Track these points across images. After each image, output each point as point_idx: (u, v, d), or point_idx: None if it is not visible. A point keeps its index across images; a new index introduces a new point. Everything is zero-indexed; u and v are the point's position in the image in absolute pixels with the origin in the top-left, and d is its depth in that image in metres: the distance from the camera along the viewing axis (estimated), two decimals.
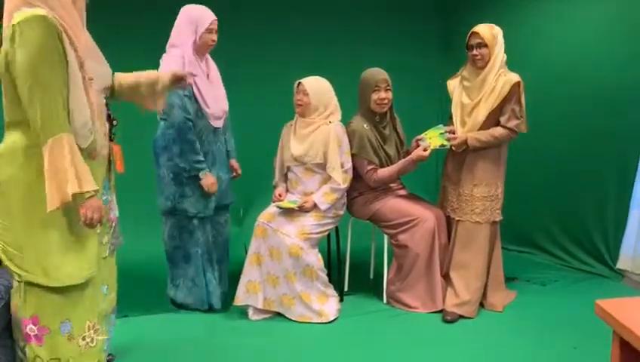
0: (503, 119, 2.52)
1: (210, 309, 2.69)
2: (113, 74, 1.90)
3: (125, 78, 1.96)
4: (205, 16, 2.43)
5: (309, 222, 2.60)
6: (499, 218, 2.65)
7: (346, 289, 2.96)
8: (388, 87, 2.67)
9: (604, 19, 3.04)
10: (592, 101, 3.11)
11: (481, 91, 2.52)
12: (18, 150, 1.58)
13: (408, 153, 2.70)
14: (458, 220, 2.66)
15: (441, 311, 2.64)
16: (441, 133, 2.61)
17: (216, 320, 2.63)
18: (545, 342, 2.35)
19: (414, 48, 4.16)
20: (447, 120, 2.74)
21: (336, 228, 2.85)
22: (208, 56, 2.59)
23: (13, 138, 1.60)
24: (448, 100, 2.75)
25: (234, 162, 2.79)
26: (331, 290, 2.69)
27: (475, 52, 2.51)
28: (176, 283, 2.70)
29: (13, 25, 1.49)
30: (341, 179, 2.64)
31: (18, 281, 1.65)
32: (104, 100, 1.79)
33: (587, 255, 3.25)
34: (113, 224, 1.91)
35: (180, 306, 2.72)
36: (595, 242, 3.20)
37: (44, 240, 1.61)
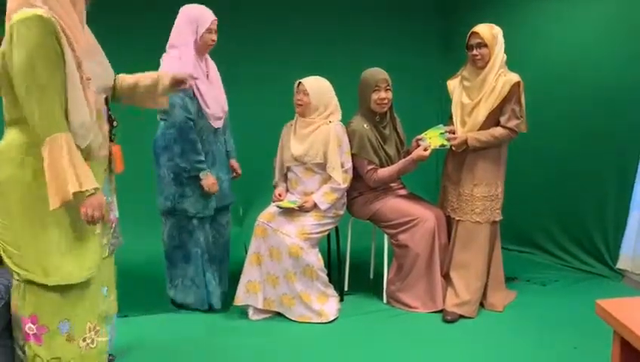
0: (503, 119, 2.52)
1: (210, 309, 2.69)
2: (115, 76, 1.91)
3: (126, 80, 1.96)
4: (205, 16, 2.43)
5: (309, 222, 2.60)
6: (499, 218, 2.65)
7: (346, 289, 2.96)
8: (388, 87, 2.67)
9: (604, 19, 3.04)
10: (592, 101, 3.11)
11: (481, 91, 2.52)
12: (16, 149, 1.58)
13: (408, 153, 2.70)
14: (458, 220, 2.66)
15: (441, 311, 2.64)
16: (441, 133, 2.61)
17: (216, 320, 2.63)
18: (545, 342, 2.35)
19: (414, 48, 4.16)
20: (447, 120, 2.74)
21: (337, 228, 2.85)
22: (208, 56, 2.58)
23: (12, 136, 1.60)
24: (448, 100, 2.75)
25: (234, 162, 2.79)
26: (331, 290, 2.69)
27: (475, 52, 2.51)
28: (175, 284, 2.70)
29: (10, 25, 1.49)
30: (341, 178, 2.64)
31: (17, 280, 1.66)
32: (104, 101, 1.79)
33: (587, 255, 3.25)
34: (113, 225, 1.91)
35: (180, 306, 2.72)
36: (595, 242, 3.20)
37: (44, 239, 1.61)
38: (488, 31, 2.49)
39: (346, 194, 2.76)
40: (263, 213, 2.66)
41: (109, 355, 2.07)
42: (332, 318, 2.59)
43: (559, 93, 3.28)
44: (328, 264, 2.93)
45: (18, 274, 1.63)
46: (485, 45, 2.48)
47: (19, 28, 1.48)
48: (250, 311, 2.63)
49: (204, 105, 2.47)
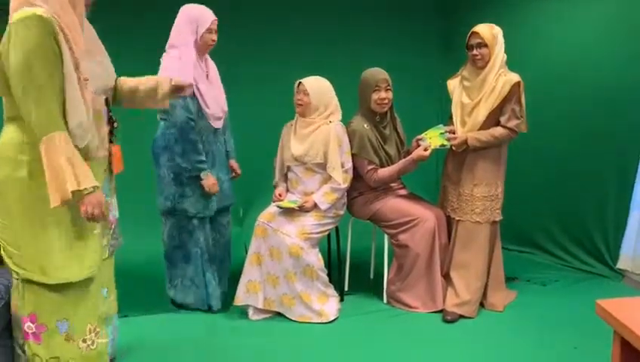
0: (503, 119, 2.52)
1: (209, 310, 2.69)
2: (116, 78, 1.91)
3: (127, 83, 1.97)
4: (206, 16, 2.43)
5: (310, 222, 2.60)
6: (499, 218, 2.65)
7: (346, 289, 2.96)
8: (388, 87, 2.67)
9: (604, 19, 3.04)
10: (592, 101, 3.11)
11: (481, 91, 2.52)
12: (14, 148, 1.59)
13: (409, 153, 2.70)
14: (458, 220, 2.66)
15: (441, 311, 2.64)
16: (442, 133, 2.61)
17: (216, 320, 2.63)
18: (545, 342, 2.35)
19: (414, 48, 4.16)
20: (448, 120, 2.74)
21: (337, 228, 2.85)
22: (207, 56, 2.58)
23: (10, 135, 1.60)
24: (448, 100, 2.75)
25: (233, 162, 2.79)
26: (331, 290, 2.69)
27: (475, 52, 2.51)
28: (175, 284, 2.70)
29: (9, 24, 1.50)
30: (341, 178, 2.64)
31: (17, 279, 1.66)
32: (104, 102, 1.79)
33: (587, 255, 3.25)
34: (112, 226, 1.90)
35: (180, 306, 2.72)
36: (595, 242, 3.20)
37: (44, 238, 1.61)
38: (488, 31, 2.49)
39: (346, 194, 2.76)
40: (263, 213, 2.66)
41: (112, 360, 2.07)
42: (332, 318, 2.59)
43: (559, 93, 3.28)
44: (328, 264, 2.93)
45: (17, 274, 1.64)
46: (485, 45, 2.48)
47: (18, 27, 1.48)
48: (250, 311, 2.63)
49: (203, 105, 2.47)
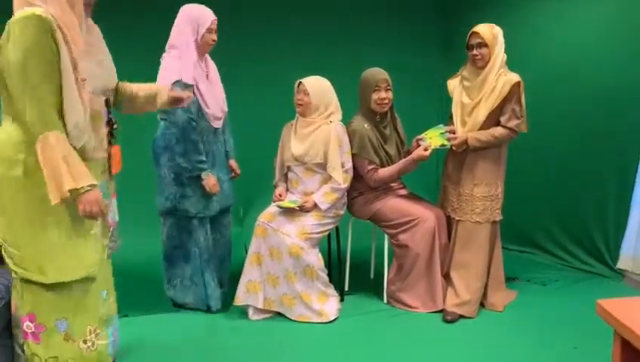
0: (503, 119, 2.52)
1: (209, 310, 2.68)
2: (118, 82, 1.91)
3: (127, 87, 1.97)
4: (206, 16, 2.43)
5: (310, 222, 2.60)
6: (499, 218, 2.65)
7: (346, 289, 2.96)
8: (388, 87, 2.67)
9: (604, 19, 3.04)
10: (592, 101, 3.11)
11: (482, 91, 2.52)
12: (9, 146, 1.58)
13: (409, 153, 2.70)
14: (458, 220, 2.66)
15: (441, 311, 2.64)
16: (442, 133, 2.61)
17: (216, 320, 2.63)
18: (545, 342, 2.35)
19: (414, 48, 4.16)
20: (448, 120, 2.74)
21: (337, 227, 2.85)
22: (208, 56, 2.58)
23: (7, 134, 1.60)
24: (448, 100, 2.75)
25: (233, 162, 2.79)
26: (332, 290, 2.68)
27: (475, 52, 2.51)
28: (174, 284, 2.70)
29: (8, 23, 1.50)
30: (341, 178, 2.64)
31: (16, 279, 1.66)
32: (104, 103, 1.78)
33: (587, 255, 3.25)
34: (111, 228, 1.90)
35: (180, 306, 2.72)
36: (595, 242, 3.20)
37: (43, 238, 1.61)
38: (489, 31, 2.49)
39: (346, 194, 2.76)
40: (263, 213, 2.66)
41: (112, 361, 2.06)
42: (332, 318, 2.59)
43: (559, 93, 3.28)
44: (329, 264, 2.93)
45: (16, 273, 1.64)
46: (485, 45, 2.48)
47: (16, 26, 1.49)
48: (250, 311, 2.62)
49: (204, 105, 2.47)
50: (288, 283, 2.55)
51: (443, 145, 2.59)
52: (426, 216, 2.65)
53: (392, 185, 2.84)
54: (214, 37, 2.48)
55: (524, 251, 3.59)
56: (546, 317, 2.59)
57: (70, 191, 1.51)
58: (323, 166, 2.66)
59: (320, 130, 2.65)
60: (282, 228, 2.56)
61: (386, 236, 2.82)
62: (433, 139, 2.61)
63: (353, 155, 2.69)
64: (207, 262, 2.64)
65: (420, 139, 2.65)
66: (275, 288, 2.57)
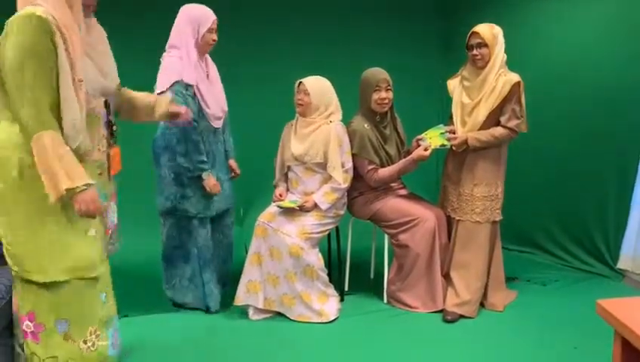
0: (503, 119, 2.52)
1: (207, 311, 2.68)
2: (121, 88, 1.91)
3: (127, 93, 1.98)
4: (207, 16, 2.43)
5: (310, 222, 2.60)
6: (499, 218, 2.65)
7: (346, 288, 2.96)
8: (388, 87, 2.67)
9: (604, 19, 3.04)
10: (592, 101, 3.11)
11: (482, 91, 2.52)
12: (7, 146, 1.58)
13: (409, 153, 2.70)
14: (458, 220, 2.66)
15: (441, 311, 2.64)
16: (442, 133, 2.61)
17: (216, 320, 2.63)
18: (545, 342, 2.35)
19: (414, 49, 4.16)
20: (448, 120, 2.74)
21: (337, 227, 2.85)
22: (207, 56, 2.58)
23: (7, 134, 1.59)
24: (448, 100, 2.75)
25: (232, 162, 2.79)
26: (332, 290, 2.68)
27: (475, 52, 2.50)
28: (173, 284, 2.70)
29: (7, 22, 1.50)
30: (342, 178, 2.64)
31: (16, 278, 1.66)
32: (103, 104, 1.77)
33: (588, 255, 3.25)
34: (110, 232, 1.89)
35: (179, 306, 2.72)
36: (595, 242, 3.20)
37: (42, 237, 1.61)
38: (489, 31, 2.49)
39: (346, 194, 2.76)
40: (263, 213, 2.66)
41: None
42: (332, 318, 2.59)
43: (559, 93, 3.28)
44: (329, 264, 2.93)
45: (17, 273, 1.64)
46: (485, 45, 2.48)
47: (14, 25, 1.49)
48: (251, 311, 2.62)
49: (204, 105, 2.47)
50: (288, 283, 2.55)
51: (443, 145, 2.59)
52: (426, 216, 2.65)
53: (392, 185, 2.84)
54: (215, 37, 2.48)
55: (524, 251, 3.59)
56: (546, 317, 2.59)
57: (66, 190, 1.51)
58: (323, 166, 2.66)
59: (320, 130, 2.65)
60: (282, 228, 2.56)
61: (386, 236, 2.82)
62: (433, 139, 2.61)
63: (353, 155, 2.69)
64: (207, 263, 2.64)
65: (420, 139, 2.65)
66: (276, 288, 2.57)
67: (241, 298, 2.60)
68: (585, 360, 2.19)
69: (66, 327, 1.69)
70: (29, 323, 1.67)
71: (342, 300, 2.78)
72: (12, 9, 1.56)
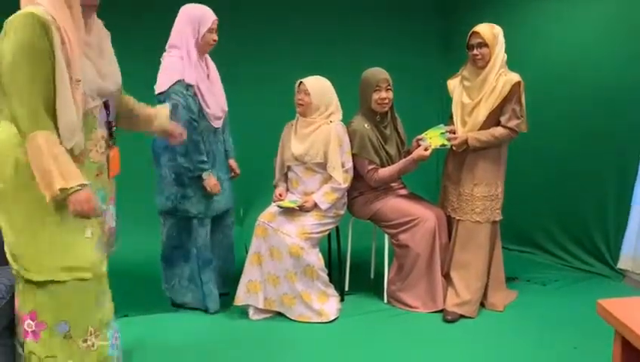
0: (503, 119, 2.52)
1: (206, 312, 2.68)
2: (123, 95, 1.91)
3: (128, 100, 1.97)
4: (207, 16, 2.42)
5: (310, 222, 2.60)
6: (499, 217, 2.65)
7: (346, 288, 2.96)
8: (389, 87, 2.67)
9: (604, 19, 3.05)
10: (592, 101, 3.11)
11: (482, 91, 2.52)
12: (8, 147, 1.58)
13: (409, 153, 2.70)
14: (458, 220, 2.66)
15: (441, 311, 2.64)
16: (442, 133, 2.61)
17: (216, 320, 2.63)
18: (545, 342, 2.35)
19: (414, 48, 4.16)
20: (448, 120, 2.74)
21: (337, 227, 2.85)
22: (207, 56, 2.58)
23: (7, 133, 1.59)
24: (449, 100, 2.75)
25: (232, 162, 2.78)
26: (332, 290, 2.68)
27: (475, 52, 2.50)
28: (172, 284, 2.70)
29: (6, 22, 1.50)
30: (342, 178, 2.64)
31: (17, 277, 1.66)
32: (100, 105, 1.76)
33: (588, 255, 3.25)
34: (107, 235, 1.89)
35: (179, 306, 2.72)
36: (595, 242, 3.20)
37: (42, 237, 1.61)
38: (489, 30, 2.49)
39: (346, 193, 2.76)
40: (263, 212, 2.66)
41: None
42: (332, 318, 2.59)
43: (559, 93, 3.28)
44: (329, 264, 2.93)
45: (18, 272, 1.64)
46: (486, 45, 2.48)
47: (12, 25, 1.49)
48: (251, 311, 2.62)
49: (204, 105, 2.47)
50: (289, 283, 2.55)
51: (443, 145, 2.59)
52: (426, 215, 2.65)
53: (393, 185, 2.84)
54: (215, 37, 2.47)
55: (524, 251, 3.59)
56: (546, 317, 2.59)
57: (60, 190, 1.51)
58: (323, 166, 2.66)
59: (320, 130, 2.65)
60: (282, 228, 2.56)
61: (386, 236, 2.82)
62: (433, 139, 2.61)
63: (353, 155, 2.69)
64: (206, 263, 2.63)
65: (420, 139, 2.65)
66: (276, 288, 2.57)
67: (241, 298, 2.60)
68: (585, 360, 2.19)
69: (66, 327, 1.69)
70: (31, 322, 1.66)
71: (342, 300, 2.78)
72: (12, 9, 1.56)
